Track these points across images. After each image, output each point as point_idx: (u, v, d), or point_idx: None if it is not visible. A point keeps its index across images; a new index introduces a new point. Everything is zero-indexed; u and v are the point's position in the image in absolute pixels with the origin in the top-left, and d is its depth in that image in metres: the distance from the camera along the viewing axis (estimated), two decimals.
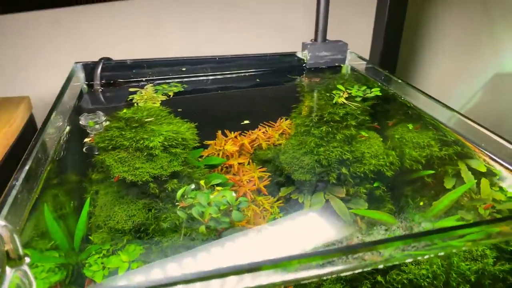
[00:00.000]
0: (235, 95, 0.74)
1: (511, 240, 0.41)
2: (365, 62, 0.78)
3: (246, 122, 0.60)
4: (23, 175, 0.39)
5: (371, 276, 0.41)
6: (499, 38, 1.06)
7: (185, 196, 0.42)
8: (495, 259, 0.42)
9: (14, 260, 0.30)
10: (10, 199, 0.35)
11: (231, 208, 0.41)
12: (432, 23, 1.17)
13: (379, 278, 0.41)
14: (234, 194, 0.43)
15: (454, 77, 1.21)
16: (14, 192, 0.36)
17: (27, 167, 0.40)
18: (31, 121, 0.86)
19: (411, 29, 1.16)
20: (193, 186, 0.44)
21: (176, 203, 0.43)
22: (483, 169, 0.49)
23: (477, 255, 0.42)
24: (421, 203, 0.47)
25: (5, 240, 0.29)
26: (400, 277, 0.41)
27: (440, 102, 0.59)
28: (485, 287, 0.43)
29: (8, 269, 0.29)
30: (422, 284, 0.42)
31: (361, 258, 0.32)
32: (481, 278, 0.43)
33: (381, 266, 0.36)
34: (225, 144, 0.54)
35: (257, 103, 0.71)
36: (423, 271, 0.42)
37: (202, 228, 0.39)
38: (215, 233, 0.40)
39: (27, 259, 0.30)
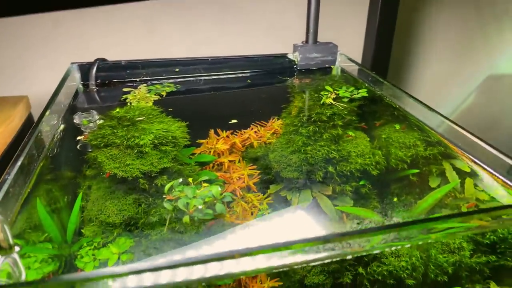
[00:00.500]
0: (227, 96, 0.75)
1: (480, 233, 0.43)
2: (354, 64, 0.80)
3: (234, 121, 0.61)
4: (15, 169, 0.41)
5: (353, 268, 0.43)
6: (492, 39, 1.08)
7: (173, 190, 0.44)
8: (471, 252, 0.44)
9: (4, 249, 0.31)
10: (1, 193, 0.37)
11: (215, 201, 0.42)
12: (426, 25, 1.18)
13: (361, 270, 0.43)
14: (219, 188, 0.44)
15: (448, 79, 1.23)
16: (5, 186, 0.38)
17: (19, 163, 0.42)
18: (29, 120, 0.87)
19: (404, 31, 1.18)
20: (180, 180, 0.46)
21: (164, 196, 0.44)
22: (467, 170, 0.51)
23: (454, 247, 0.44)
24: (406, 201, 0.48)
25: None
26: (380, 268, 0.43)
27: (426, 105, 0.61)
28: (462, 279, 0.44)
29: None
30: (402, 275, 0.43)
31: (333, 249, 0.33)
32: (458, 270, 0.44)
33: (349, 257, 0.37)
34: (216, 143, 0.55)
35: (249, 104, 0.72)
36: (403, 263, 0.43)
37: (186, 218, 0.41)
38: (201, 226, 0.41)
39: (17, 248, 0.32)
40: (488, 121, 1.15)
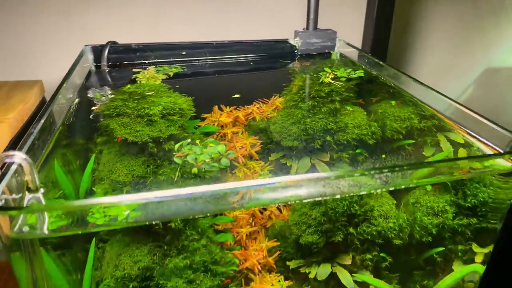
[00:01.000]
0: (231, 77, 0.79)
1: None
2: (353, 49, 0.83)
3: (237, 95, 0.65)
4: (39, 126, 0.44)
5: (344, 228, 0.46)
6: (489, 33, 1.09)
7: (182, 148, 0.48)
8: (454, 214, 0.47)
9: (32, 190, 0.35)
10: (29, 142, 0.41)
11: (221, 157, 0.46)
12: (422, 18, 1.20)
13: (351, 230, 0.46)
14: (224, 146, 0.48)
15: (445, 72, 1.24)
16: (32, 137, 0.41)
17: (42, 120, 0.45)
18: (43, 103, 0.91)
19: (401, 25, 1.20)
20: (189, 140, 0.50)
21: (174, 153, 0.48)
22: (461, 141, 0.53)
23: (438, 210, 0.47)
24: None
25: (25, 171, 0.34)
26: (369, 229, 0.46)
27: (421, 82, 0.63)
28: (445, 240, 0.48)
29: (26, 194, 0.35)
30: (390, 236, 0.46)
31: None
32: (442, 231, 0.47)
33: (337, 196, 0.41)
34: (220, 116, 0.59)
35: (252, 84, 0.76)
36: (391, 224, 0.46)
37: (195, 169, 0.45)
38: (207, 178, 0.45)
39: (42, 190, 0.36)
40: (487, 114, 1.17)
